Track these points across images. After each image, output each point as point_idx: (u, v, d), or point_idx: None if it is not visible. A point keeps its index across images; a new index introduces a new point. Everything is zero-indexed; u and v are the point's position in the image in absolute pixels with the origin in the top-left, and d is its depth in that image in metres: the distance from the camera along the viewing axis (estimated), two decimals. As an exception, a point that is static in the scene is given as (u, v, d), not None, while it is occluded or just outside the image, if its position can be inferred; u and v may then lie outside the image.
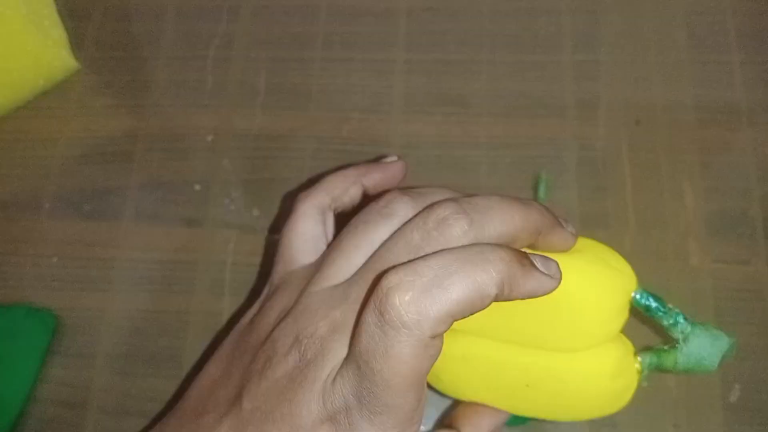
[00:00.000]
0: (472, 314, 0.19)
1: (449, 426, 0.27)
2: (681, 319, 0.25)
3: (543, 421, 0.32)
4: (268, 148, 0.39)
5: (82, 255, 0.37)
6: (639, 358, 0.26)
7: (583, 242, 0.25)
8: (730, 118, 0.38)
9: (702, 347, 0.25)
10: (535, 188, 0.37)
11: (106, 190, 0.38)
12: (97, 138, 0.39)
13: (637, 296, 0.26)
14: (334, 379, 0.20)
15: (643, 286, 0.26)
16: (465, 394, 0.27)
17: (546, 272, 0.20)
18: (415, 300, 0.18)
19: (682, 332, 0.25)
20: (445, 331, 0.19)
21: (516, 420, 0.32)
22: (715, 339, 0.25)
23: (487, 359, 0.25)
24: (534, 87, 0.39)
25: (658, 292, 0.26)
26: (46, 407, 0.34)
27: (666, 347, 0.26)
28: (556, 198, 0.37)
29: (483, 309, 0.19)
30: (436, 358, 0.19)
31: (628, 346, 0.26)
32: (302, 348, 0.21)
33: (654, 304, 0.26)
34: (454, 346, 0.25)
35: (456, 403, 0.29)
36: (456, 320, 0.19)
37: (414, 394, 0.19)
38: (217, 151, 0.39)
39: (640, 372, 0.26)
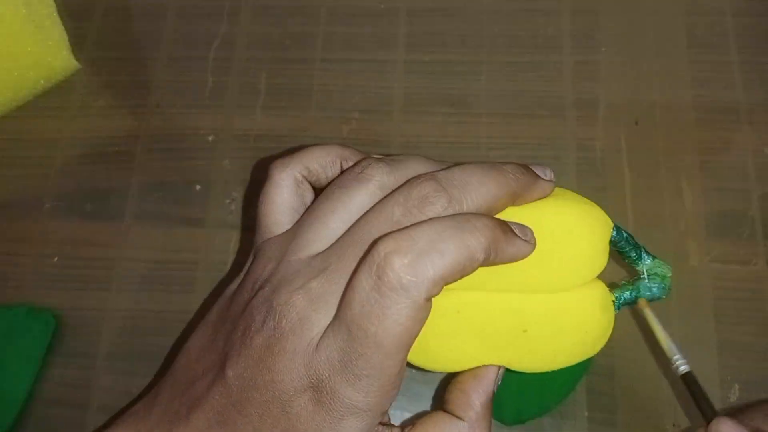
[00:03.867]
0: (461, 278, 0.21)
1: (440, 409, 0.27)
2: (644, 253, 0.28)
3: (543, 420, 0.33)
4: (269, 149, 0.39)
5: (83, 255, 0.37)
6: (614, 293, 0.28)
7: (557, 189, 0.27)
8: (729, 118, 0.38)
9: (658, 278, 0.28)
10: (535, 188, 0.37)
11: (107, 191, 0.38)
12: (97, 138, 0.39)
13: (614, 232, 0.27)
14: (317, 345, 0.21)
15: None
16: (458, 358, 0.26)
17: (523, 238, 0.22)
18: (412, 263, 0.19)
19: (645, 265, 0.28)
20: (437, 295, 0.20)
21: (515, 419, 0.32)
22: (665, 270, 0.28)
23: (481, 309, 0.25)
24: (534, 87, 0.39)
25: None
26: (47, 407, 0.34)
27: (629, 282, 0.28)
28: (556, 198, 0.37)
29: (471, 273, 0.21)
30: (424, 323, 0.20)
31: (604, 284, 0.27)
32: (277, 317, 0.22)
33: (628, 237, 0.28)
34: (446, 302, 0.25)
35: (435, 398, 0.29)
36: (447, 284, 0.20)
37: (401, 357, 0.20)
38: (218, 151, 0.39)
39: (615, 305, 0.27)
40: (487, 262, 0.21)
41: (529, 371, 0.26)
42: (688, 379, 0.27)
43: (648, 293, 0.28)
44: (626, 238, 0.28)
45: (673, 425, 0.32)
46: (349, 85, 0.40)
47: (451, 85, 0.40)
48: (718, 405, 0.32)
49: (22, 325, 0.34)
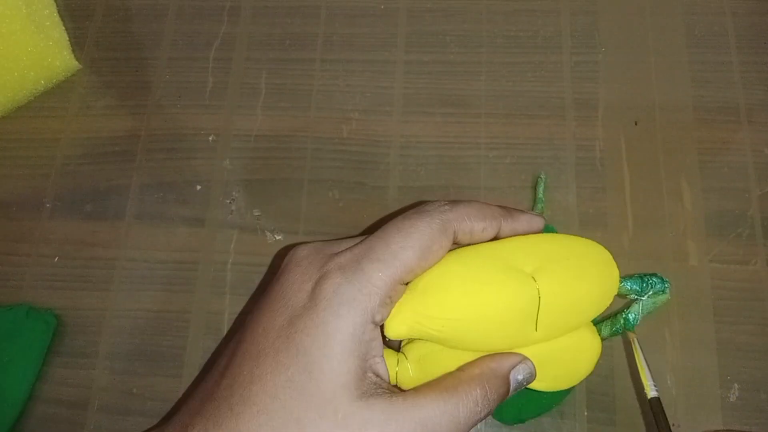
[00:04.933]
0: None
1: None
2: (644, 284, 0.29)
3: (543, 420, 0.33)
4: (269, 149, 0.39)
5: (84, 255, 0.37)
6: (600, 332, 0.29)
7: (570, 249, 0.27)
8: (728, 118, 0.38)
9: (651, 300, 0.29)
10: (534, 188, 0.37)
11: (108, 190, 0.38)
12: (98, 138, 0.39)
13: (624, 284, 0.28)
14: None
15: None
16: None
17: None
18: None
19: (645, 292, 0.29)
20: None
21: (515, 419, 0.32)
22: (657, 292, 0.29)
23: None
24: (533, 87, 0.39)
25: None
26: (47, 406, 0.34)
27: (615, 316, 0.29)
28: (555, 198, 0.37)
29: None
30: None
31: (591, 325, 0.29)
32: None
33: (634, 287, 0.29)
34: (465, 356, 0.26)
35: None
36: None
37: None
38: (218, 151, 0.39)
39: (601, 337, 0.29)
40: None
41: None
42: (653, 404, 0.28)
43: (636, 314, 0.29)
44: (633, 289, 0.28)
45: (673, 425, 0.32)
46: (349, 85, 0.40)
47: (451, 85, 0.40)
48: (718, 405, 0.33)
49: (23, 324, 0.34)
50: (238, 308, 0.36)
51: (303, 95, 0.40)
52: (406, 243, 0.24)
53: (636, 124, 0.38)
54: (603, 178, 0.37)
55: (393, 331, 0.25)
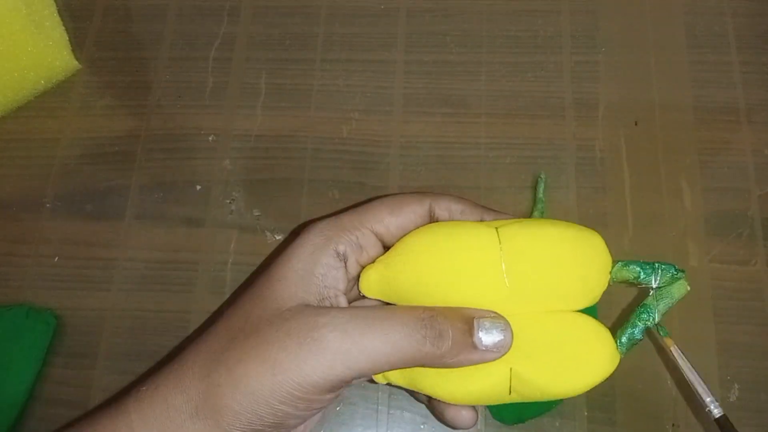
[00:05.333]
0: None
1: None
2: (651, 269, 0.26)
3: (543, 420, 0.33)
4: (269, 149, 0.39)
5: (84, 255, 0.37)
6: (618, 340, 0.26)
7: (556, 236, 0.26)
8: (728, 118, 0.38)
9: (668, 280, 0.26)
10: (534, 188, 0.37)
11: (108, 191, 0.38)
12: (98, 138, 0.39)
13: (619, 266, 0.26)
14: None
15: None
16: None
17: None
18: None
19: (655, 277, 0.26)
20: None
21: (515, 419, 0.32)
22: (672, 271, 0.26)
23: None
24: (533, 87, 0.39)
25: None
26: (47, 406, 0.34)
27: (630, 318, 0.27)
28: (555, 198, 0.37)
29: None
30: None
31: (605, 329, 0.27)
32: None
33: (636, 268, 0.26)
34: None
35: None
36: None
37: None
38: (218, 151, 0.39)
39: (620, 350, 0.26)
40: None
41: (531, 391, 0.26)
42: (722, 423, 0.26)
43: (655, 312, 0.26)
44: (641, 273, 0.26)
45: (673, 425, 0.32)
46: (349, 85, 0.40)
47: (450, 85, 0.40)
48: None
49: (23, 324, 0.34)
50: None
51: (303, 95, 0.40)
52: (380, 202, 0.27)
53: (636, 124, 0.38)
54: (603, 178, 0.37)
55: (365, 283, 0.26)
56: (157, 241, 0.37)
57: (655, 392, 0.33)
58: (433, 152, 0.38)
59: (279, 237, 0.37)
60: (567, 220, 0.27)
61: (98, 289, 0.36)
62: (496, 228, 0.26)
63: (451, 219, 0.27)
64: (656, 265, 0.26)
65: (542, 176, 0.37)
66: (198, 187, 0.38)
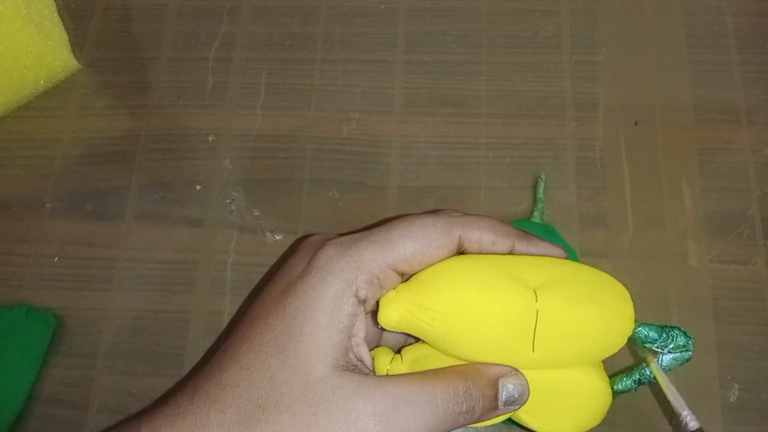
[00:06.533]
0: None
1: None
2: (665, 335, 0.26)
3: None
4: (269, 149, 0.39)
5: (84, 255, 0.37)
6: (614, 385, 0.27)
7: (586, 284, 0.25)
8: (728, 118, 0.38)
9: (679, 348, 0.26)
10: (534, 188, 0.37)
11: (108, 190, 0.38)
12: (98, 138, 0.39)
13: (639, 330, 0.26)
14: None
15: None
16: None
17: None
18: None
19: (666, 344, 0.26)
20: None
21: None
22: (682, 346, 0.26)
23: None
24: (533, 87, 0.39)
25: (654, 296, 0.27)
26: (47, 406, 0.34)
27: (631, 370, 0.27)
28: (555, 198, 0.37)
29: None
30: None
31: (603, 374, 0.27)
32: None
33: (651, 336, 0.26)
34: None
35: None
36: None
37: None
38: (218, 151, 0.39)
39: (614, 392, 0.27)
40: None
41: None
42: None
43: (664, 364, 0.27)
44: (651, 338, 0.26)
45: (673, 425, 0.32)
46: (349, 85, 0.40)
47: (450, 85, 0.40)
48: (718, 405, 0.33)
49: (23, 324, 0.34)
50: (238, 308, 0.36)
51: (303, 95, 0.40)
52: (405, 233, 0.25)
53: (636, 124, 0.38)
54: (603, 178, 0.37)
55: (384, 318, 0.24)
56: (157, 241, 0.37)
57: (656, 392, 0.33)
58: (433, 152, 0.38)
59: (279, 237, 0.37)
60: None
61: (98, 289, 0.36)
62: (535, 292, 0.24)
63: (480, 251, 0.26)
64: (666, 329, 0.26)
65: (542, 176, 0.37)
66: (198, 187, 0.38)
